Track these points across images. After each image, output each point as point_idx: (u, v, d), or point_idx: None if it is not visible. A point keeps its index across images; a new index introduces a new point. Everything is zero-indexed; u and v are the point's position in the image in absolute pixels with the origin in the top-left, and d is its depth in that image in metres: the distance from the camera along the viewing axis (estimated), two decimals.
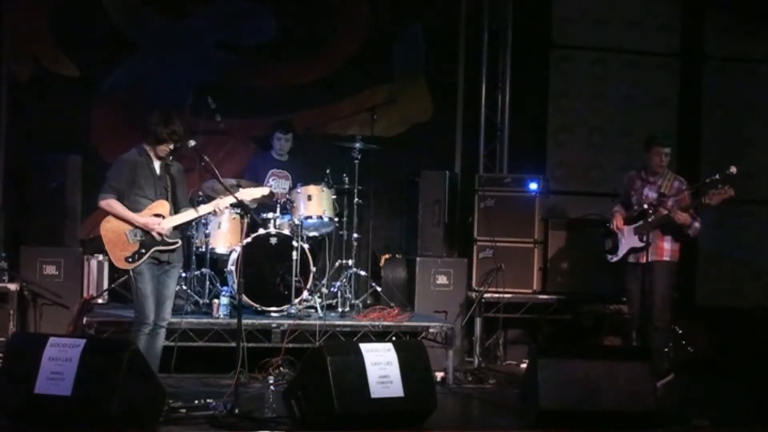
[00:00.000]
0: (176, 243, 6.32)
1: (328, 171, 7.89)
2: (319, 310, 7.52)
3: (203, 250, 7.55)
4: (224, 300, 7.29)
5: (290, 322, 7.22)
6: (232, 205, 6.63)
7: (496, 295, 8.41)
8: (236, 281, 7.01)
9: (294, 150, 8.44)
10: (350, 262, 7.98)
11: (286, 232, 7.60)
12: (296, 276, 7.44)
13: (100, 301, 7.76)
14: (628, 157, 9.02)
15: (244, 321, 6.65)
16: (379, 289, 8.13)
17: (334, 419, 5.57)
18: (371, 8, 9.18)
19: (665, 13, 9.83)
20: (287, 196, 7.87)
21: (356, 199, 8.01)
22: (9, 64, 8.42)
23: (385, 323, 7.44)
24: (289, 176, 8.33)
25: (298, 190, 7.77)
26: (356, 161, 7.96)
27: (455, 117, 9.41)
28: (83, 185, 7.85)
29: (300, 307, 7.50)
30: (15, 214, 8.12)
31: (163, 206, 6.27)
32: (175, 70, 8.71)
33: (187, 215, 6.36)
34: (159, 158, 6.29)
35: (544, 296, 8.56)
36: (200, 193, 7.46)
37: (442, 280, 8.38)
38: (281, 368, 7.04)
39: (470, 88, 9.38)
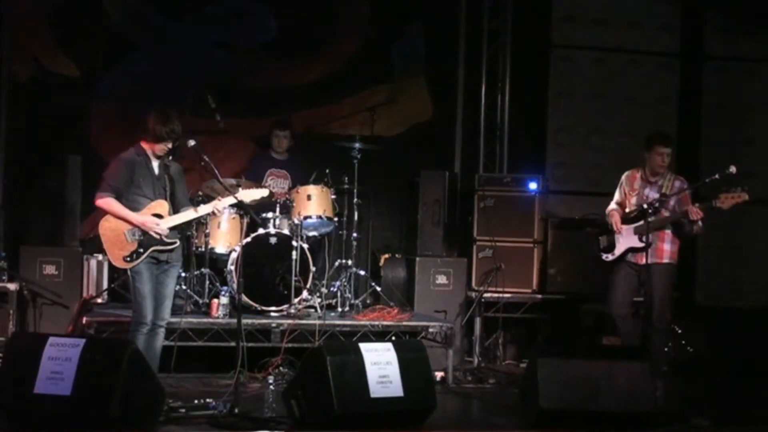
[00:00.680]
0: (174, 243, 6.31)
1: (327, 171, 7.89)
2: (319, 310, 7.52)
3: (203, 249, 7.55)
4: (224, 300, 7.29)
5: (290, 321, 7.22)
6: (232, 205, 6.63)
7: (496, 295, 8.41)
8: (236, 281, 7.03)
9: (293, 150, 8.45)
10: (350, 261, 7.99)
11: (286, 231, 7.60)
12: (296, 276, 7.44)
13: (99, 300, 7.76)
14: (628, 157, 9.00)
15: (244, 321, 6.65)
16: (378, 288, 8.13)
17: (334, 419, 5.57)
18: (371, 8, 9.18)
19: (665, 13, 9.83)
20: (286, 195, 7.88)
21: (356, 199, 8.01)
22: (9, 64, 8.42)
23: (385, 323, 7.45)
24: (289, 176, 8.33)
25: (298, 190, 7.78)
26: (356, 161, 7.96)
27: (455, 117, 9.41)
28: (83, 185, 7.84)
29: (299, 306, 7.50)
30: (15, 214, 8.13)
31: (162, 206, 6.26)
32: (175, 70, 8.70)
33: (186, 215, 6.35)
34: (157, 157, 6.28)
35: (544, 296, 8.56)
36: (200, 192, 7.46)
37: (441, 279, 8.38)
38: (281, 368, 7.04)
39: (470, 88, 9.39)
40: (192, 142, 6.32)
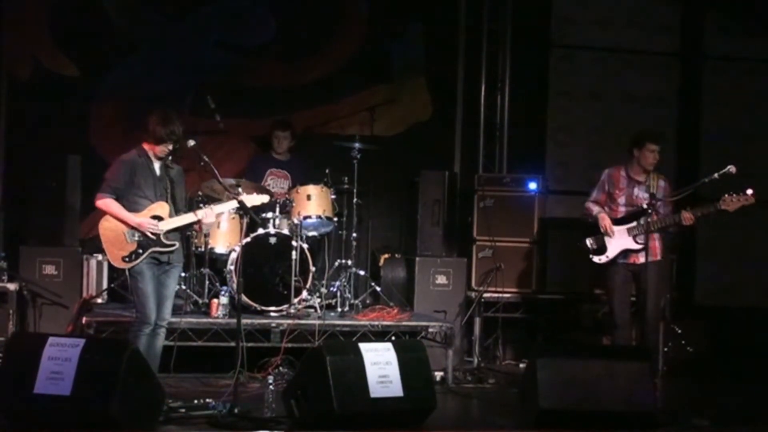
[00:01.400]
0: (174, 245, 6.29)
1: (327, 171, 7.89)
2: (319, 310, 7.51)
3: (202, 249, 7.56)
4: (223, 300, 7.29)
5: (289, 321, 7.22)
6: None
7: (496, 295, 8.41)
8: (236, 281, 7.03)
9: (294, 150, 8.45)
10: (349, 261, 7.99)
11: (286, 231, 7.60)
12: (295, 276, 7.44)
13: (99, 300, 7.77)
14: (628, 157, 9.00)
15: (244, 321, 6.65)
16: (378, 288, 8.13)
17: (334, 419, 5.57)
18: (371, 8, 9.18)
19: (665, 13, 9.84)
20: (286, 195, 7.88)
21: (356, 199, 8.02)
22: (9, 64, 8.42)
23: (385, 323, 7.45)
24: (289, 176, 8.34)
25: (298, 190, 7.78)
26: (356, 161, 7.96)
27: (455, 117, 9.42)
28: (83, 185, 7.84)
29: (299, 306, 7.50)
30: (15, 214, 8.12)
31: (162, 207, 6.25)
32: (175, 70, 8.70)
33: (186, 219, 6.34)
34: (159, 159, 6.28)
35: (544, 296, 8.56)
36: (200, 193, 7.46)
37: (441, 279, 8.37)
38: (280, 368, 7.04)
39: (470, 88, 9.39)
40: (192, 142, 6.31)
